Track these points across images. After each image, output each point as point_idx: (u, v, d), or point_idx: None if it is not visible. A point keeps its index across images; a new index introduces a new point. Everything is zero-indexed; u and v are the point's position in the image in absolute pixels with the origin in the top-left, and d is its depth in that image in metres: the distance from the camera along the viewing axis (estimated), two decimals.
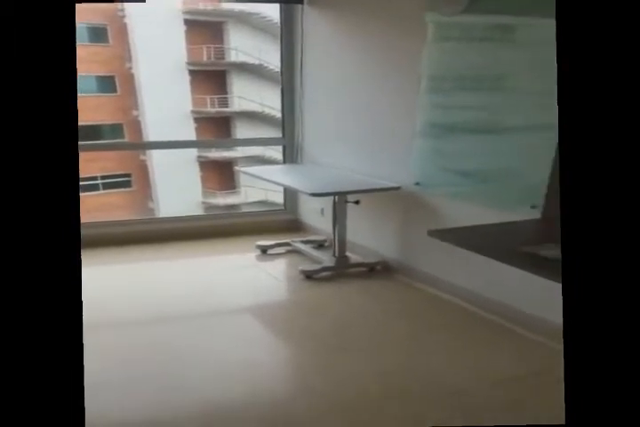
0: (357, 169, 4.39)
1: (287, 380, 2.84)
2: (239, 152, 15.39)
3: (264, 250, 4.74)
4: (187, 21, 15.28)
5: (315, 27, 4.81)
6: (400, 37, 3.83)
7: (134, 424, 2.36)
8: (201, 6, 15.56)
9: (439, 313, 3.51)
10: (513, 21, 3.06)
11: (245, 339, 3.20)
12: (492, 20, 3.16)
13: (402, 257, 4.15)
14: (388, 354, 2.97)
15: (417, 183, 3.80)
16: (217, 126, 16.17)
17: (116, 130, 15.44)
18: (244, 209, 13.82)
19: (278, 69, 5.36)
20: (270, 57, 14.57)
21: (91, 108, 13.98)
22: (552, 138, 2.77)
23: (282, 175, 4.77)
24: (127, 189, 16.15)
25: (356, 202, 4.13)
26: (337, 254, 4.24)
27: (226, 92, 16.41)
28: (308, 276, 4.09)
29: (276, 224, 5.38)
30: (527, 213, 2.90)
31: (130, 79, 15.23)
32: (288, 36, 5.09)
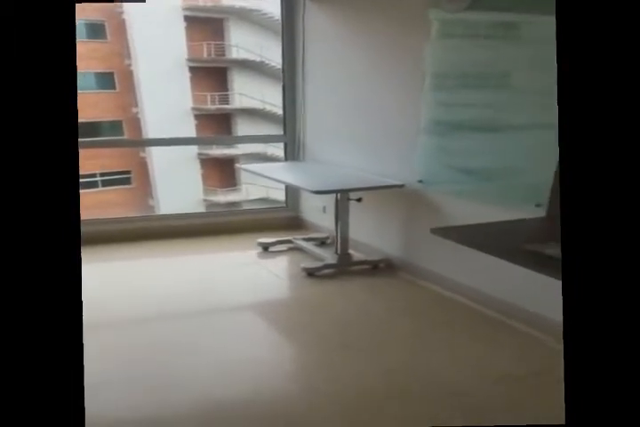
0: (360, 166, 4.38)
1: (289, 378, 2.83)
2: (240, 149, 15.38)
3: (265, 247, 4.73)
4: (187, 18, 15.26)
5: (316, 23, 4.80)
6: (403, 34, 3.81)
7: (135, 423, 2.35)
8: (201, 3, 15.55)
9: (442, 311, 3.50)
10: (516, 19, 3.05)
11: (247, 337, 3.19)
12: (495, 17, 3.15)
13: (405, 255, 4.14)
14: (391, 352, 2.96)
15: (420, 181, 3.78)
16: (217, 123, 16.16)
17: (115, 127, 15.44)
18: (246, 206, 13.81)
19: (280, 66, 5.36)
20: (272, 54, 14.54)
21: (90, 105, 13.97)
22: (556, 136, 2.76)
23: (283, 173, 4.76)
24: (127, 187, 16.15)
25: (359, 199, 4.12)
26: (339, 252, 4.23)
27: (226, 89, 16.39)
28: (310, 273, 4.08)
29: (277, 222, 5.37)
30: (532, 211, 2.88)
31: (129, 76, 15.21)
32: (289, 33, 5.07)
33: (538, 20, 2.90)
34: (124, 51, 15.11)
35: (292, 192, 5.48)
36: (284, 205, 5.61)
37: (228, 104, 16.32)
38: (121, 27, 14.89)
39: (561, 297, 2.56)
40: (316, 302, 3.68)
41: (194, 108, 15.78)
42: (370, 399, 2.50)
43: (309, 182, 4.11)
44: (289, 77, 5.17)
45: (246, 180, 15.46)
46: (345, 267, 4.19)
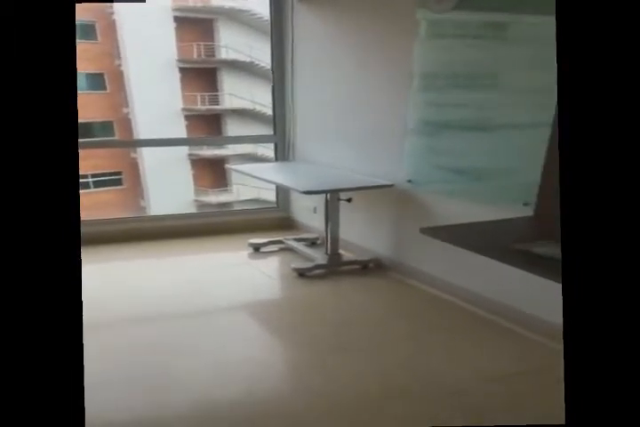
0: (350, 166, 4.39)
1: (284, 378, 2.83)
2: (231, 150, 15.38)
3: (256, 248, 4.73)
4: (176, 18, 15.24)
5: (305, 23, 4.80)
6: (392, 34, 3.82)
7: (129, 423, 2.35)
8: (191, 3, 15.51)
9: (433, 311, 3.51)
10: (505, 19, 3.06)
11: (241, 337, 3.19)
12: (483, 17, 3.16)
13: (395, 255, 4.15)
14: (385, 352, 2.97)
15: (409, 181, 3.80)
16: (208, 124, 16.14)
17: (106, 127, 15.40)
18: (237, 207, 13.79)
19: (269, 67, 5.35)
20: (261, 54, 14.54)
21: (80, 106, 13.69)
22: (545, 136, 2.78)
23: (273, 173, 4.76)
24: (118, 187, 16.11)
25: (349, 200, 4.13)
26: (329, 252, 4.24)
27: (216, 90, 16.38)
28: (301, 274, 4.09)
29: (268, 222, 5.37)
30: (520, 210, 2.90)
31: (119, 76, 15.18)
32: (278, 33, 5.07)
33: (526, 20, 2.92)
34: (114, 51, 15.08)
35: (282, 193, 5.49)
36: (275, 205, 5.62)
37: (218, 105, 16.31)
38: (111, 27, 14.85)
39: (551, 296, 2.59)
40: (308, 302, 3.69)
41: (184, 109, 15.76)
42: (366, 399, 2.51)
43: (299, 183, 4.12)
44: (278, 78, 5.17)
45: (237, 180, 15.45)
46: (335, 267, 4.19)
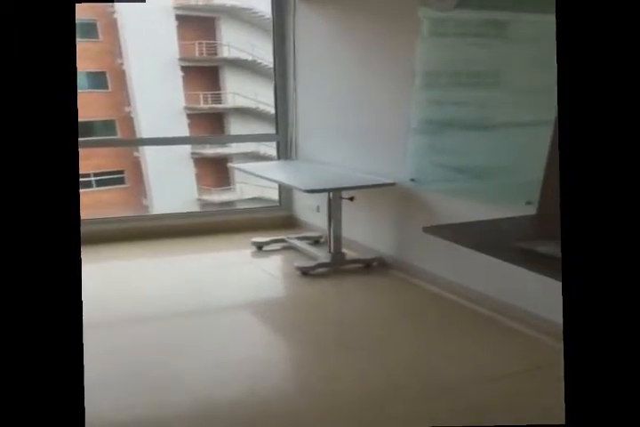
0: (352, 165, 4.38)
1: (287, 377, 2.83)
2: (233, 148, 15.37)
3: (259, 247, 4.74)
4: (178, 17, 15.23)
5: (307, 21, 4.80)
6: (394, 32, 3.81)
7: (132, 423, 2.35)
8: (192, 1, 15.50)
9: (436, 309, 3.51)
10: (506, 17, 3.06)
11: (243, 336, 3.19)
12: (485, 15, 3.16)
13: (398, 253, 4.15)
14: (388, 351, 2.96)
15: (412, 179, 3.79)
16: (210, 123, 16.14)
17: (108, 126, 15.40)
18: (240, 206, 13.79)
19: (272, 65, 5.35)
20: (264, 53, 14.53)
21: (82, 105, 13.75)
22: (547, 134, 2.77)
23: (276, 172, 4.76)
24: (121, 186, 16.12)
25: (351, 198, 4.12)
26: (333, 251, 4.24)
27: (219, 89, 16.37)
28: (305, 272, 4.09)
29: (271, 221, 5.37)
30: (522, 209, 2.90)
31: (121, 75, 15.18)
32: (280, 32, 5.07)
33: (527, 19, 2.91)
34: (115, 50, 15.07)
35: (285, 191, 5.49)
36: (278, 204, 5.62)
37: (220, 103, 16.31)
38: (112, 26, 14.85)
39: (553, 295, 2.57)
40: (311, 301, 3.69)
41: (186, 108, 15.75)
42: (368, 399, 2.50)
43: (302, 181, 4.12)
44: (280, 76, 5.17)
45: (240, 179, 15.46)
46: (338, 266, 4.19)
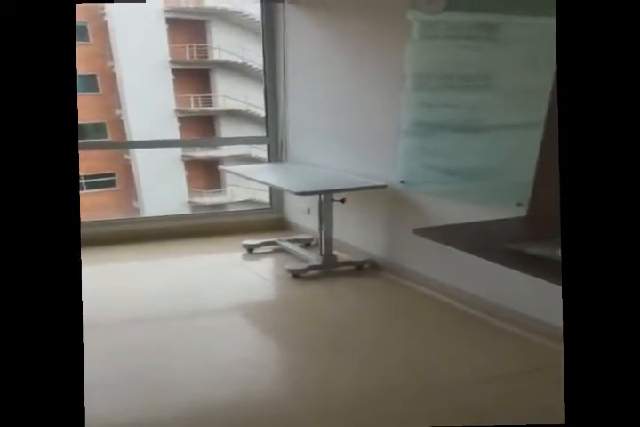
0: (343, 167, 4.39)
1: (279, 380, 2.83)
2: (224, 151, 15.33)
3: (250, 249, 4.73)
4: (169, 20, 15.19)
5: (297, 25, 4.80)
6: (384, 35, 3.82)
7: (130, 426, 2.34)
8: (183, 4, 15.46)
9: (427, 311, 3.52)
10: (496, 20, 3.07)
11: (235, 339, 3.19)
12: (475, 18, 3.17)
13: (389, 255, 4.16)
14: (381, 353, 2.97)
15: (402, 182, 3.80)
16: (201, 125, 16.10)
17: (99, 129, 15.32)
18: (232, 208, 13.76)
19: (262, 68, 5.35)
20: (254, 55, 14.51)
21: None
22: (538, 136, 2.79)
23: (266, 174, 4.76)
24: (111, 189, 16.04)
25: (342, 200, 4.13)
26: (324, 253, 4.24)
27: (209, 91, 16.34)
28: (296, 275, 4.08)
29: (262, 223, 5.37)
30: (513, 210, 2.91)
31: (112, 78, 15.11)
32: (270, 35, 5.07)
33: (517, 22, 2.93)
34: (106, 53, 15.01)
35: (276, 194, 5.48)
36: (269, 206, 5.61)
37: (211, 106, 16.28)
38: (103, 29, 14.79)
39: (545, 296, 2.59)
40: (303, 303, 3.69)
41: (177, 111, 15.71)
42: (362, 400, 2.50)
43: (292, 184, 4.12)
44: (270, 79, 5.17)
45: (231, 181, 15.43)
46: (330, 268, 4.20)
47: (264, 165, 5.56)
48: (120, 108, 15.22)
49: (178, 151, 15.41)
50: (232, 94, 16.06)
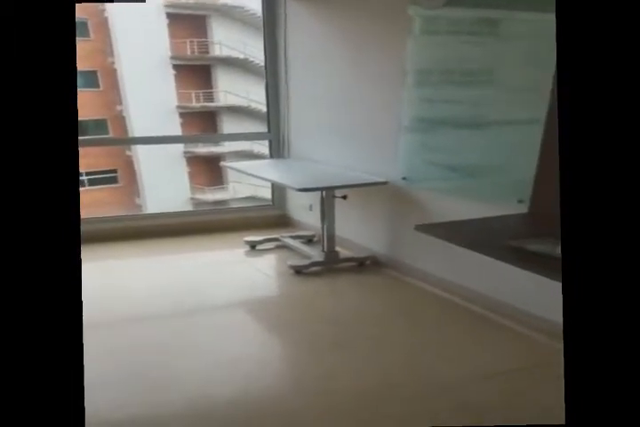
0: (344, 164, 4.39)
1: (281, 377, 2.83)
2: (226, 147, 15.34)
3: (253, 245, 4.73)
4: (169, 15, 15.17)
5: (298, 20, 4.79)
6: (386, 30, 3.81)
7: (130, 423, 2.35)
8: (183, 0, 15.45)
9: (429, 308, 3.52)
10: (497, 15, 3.06)
11: (238, 335, 3.19)
12: (476, 13, 3.16)
13: (390, 252, 4.16)
14: (384, 350, 2.97)
15: (404, 178, 3.80)
16: (203, 121, 16.10)
17: (100, 125, 15.34)
18: (234, 205, 13.77)
19: (263, 63, 5.34)
20: (255, 51, 14.49)
21: None
22: (539, 132, 2.78)
23: (268, 170, 4.76)
24: (113, 186, 16.07)
25: (344, 197, 4.13)
26: (326, 249, 4.24)
27: (211, 87, 16.33)
28: (298, 271, 4.09)
29: (264, 220, 5.37)
30: (514, 207, 2.91)
31: (112, 74, 15.12)
32: (271, 30, 5.06)
33: (518, 17, 2.92)
34: (107, 49, 15.01)
35: (278, 190, 5.48)
36: (271, 203, 5.61)
37: (212, 102, 16.27)
38: (103, 25, 14.78)
39: (545, 293, 2.58)
40: (305, 299, 3.69)
41: (179, 107, 15.71)
42: (364, 397, 2.50)
43: (294, 180, 4.12)
44: (272, 75, 5.16)
45: (233, 178, 15.43)
46: (332, 264, 4.20)
47: (266, 161, 5.56)
48: (121, 104, 15.23)
49: (179, 147, 15.43)
50: (233, 90, 16.05)
